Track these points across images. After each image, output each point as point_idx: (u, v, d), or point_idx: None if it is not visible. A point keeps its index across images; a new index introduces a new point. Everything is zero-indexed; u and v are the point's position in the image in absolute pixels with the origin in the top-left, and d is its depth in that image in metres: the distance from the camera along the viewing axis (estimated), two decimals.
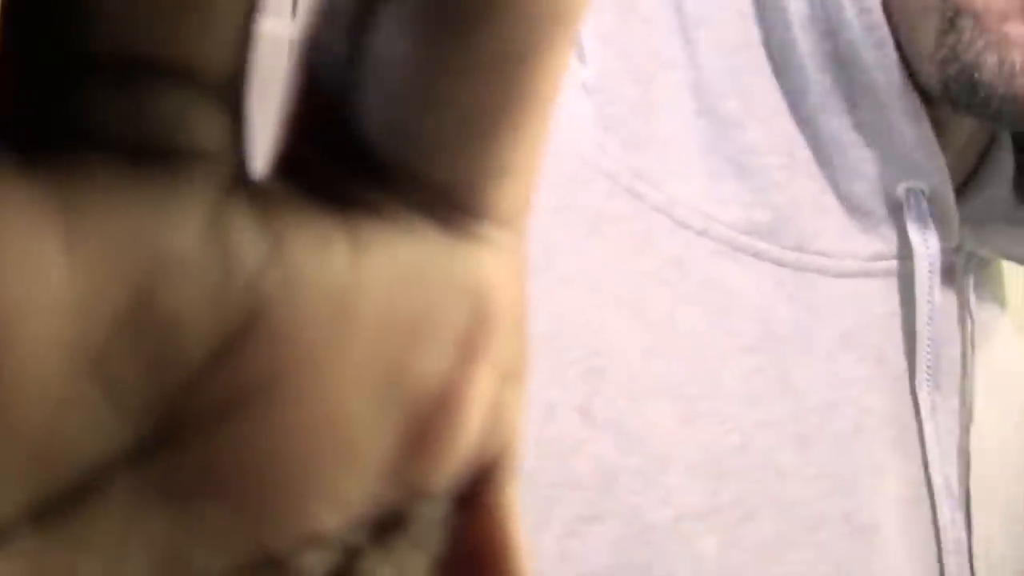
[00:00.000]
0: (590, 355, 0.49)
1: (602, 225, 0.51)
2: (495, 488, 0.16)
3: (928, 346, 0.52)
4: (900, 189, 0.52)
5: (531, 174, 0.15)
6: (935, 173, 0.52)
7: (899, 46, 0.51)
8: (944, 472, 0.53)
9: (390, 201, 0.15)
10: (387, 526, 0.16)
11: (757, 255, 0.51)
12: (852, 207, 0.52)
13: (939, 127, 0.52)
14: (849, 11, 0.51)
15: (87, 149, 0.13)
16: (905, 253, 0.53)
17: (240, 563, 0.15)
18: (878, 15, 0.50)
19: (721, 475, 0.50)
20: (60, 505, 0.14)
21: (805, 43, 0.51)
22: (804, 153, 0.52)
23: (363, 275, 0.14)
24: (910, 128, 0.51)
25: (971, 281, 0.55)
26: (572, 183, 0.51)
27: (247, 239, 0.14)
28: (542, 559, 0.48)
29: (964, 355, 0.55)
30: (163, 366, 0.14)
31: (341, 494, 0.15)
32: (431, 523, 0.16)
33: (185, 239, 0.14)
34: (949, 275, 0.54)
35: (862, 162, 0.52)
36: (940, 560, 0.53)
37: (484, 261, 0.15)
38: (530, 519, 0.49)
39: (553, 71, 0.15)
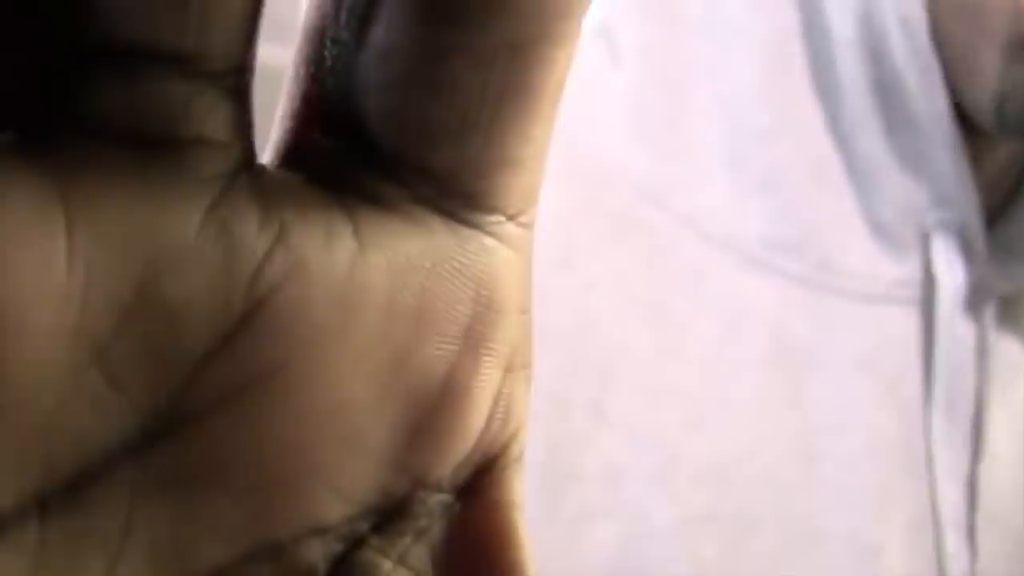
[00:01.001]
0: (606, 355, 0.50)
1: (626, 231, 0.51)
2: (500, 479, 0.16)
3: (946, 376, 0.53)
4: (930, 218, 0.52)
5: (537, 167, 0.15)
6: (966, 205, 0.52)
7: (945, 73, 0.51)
8: (952, 501, 0.53)
9: (395, 191, 0.15)
10: (390, 516, 0.15)
11: (778, 270, 0.52)
12: (879, 230, 0.52)
13: (974, 158, 0.52)
14: (895, 36, 0.51)
15: (91, 138, 0.13)
16: (928, 281, 0.53)
17: (243, 552, 0.15)
18: (924, 40, 0.50)
19: (726, 482, 0.50)
20: (64, 494, 0.14)
21: (847, 64, 0.51)
22: (836, 172, 0.52)
23: (367, 265, 0.14)
24: (946, 157, 0.51)
25: (991, 314, 0.56)
26: (600, 188, 0.51)
27: (251, 228, 0.14)
28: (547, 553, 0.49)
29: (979, 387, 0.55)
30: (166, 355, 0.14)
31: (344, 483, 0.15)
32: (435, 514, 0.16)
33: (188, 228, 0.14)
34: (971, 307, 0.54)
35: (894, 187, 0.52)
36: None
37: (489, 252, 0.15)
38: (537, 512, 0.49)
39: (558, 62, 0.14)
